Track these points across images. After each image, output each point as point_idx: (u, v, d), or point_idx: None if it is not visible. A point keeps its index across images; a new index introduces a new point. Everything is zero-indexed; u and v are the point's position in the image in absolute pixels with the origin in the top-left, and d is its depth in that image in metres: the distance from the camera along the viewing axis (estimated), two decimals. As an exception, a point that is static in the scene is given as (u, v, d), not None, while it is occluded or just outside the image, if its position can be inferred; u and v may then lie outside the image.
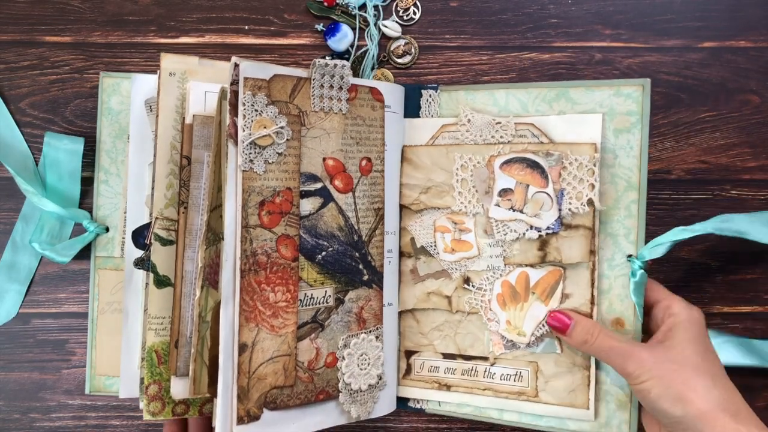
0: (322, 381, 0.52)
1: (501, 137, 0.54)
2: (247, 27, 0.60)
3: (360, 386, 0.54)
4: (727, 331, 0.59)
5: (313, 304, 0.52)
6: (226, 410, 0.47)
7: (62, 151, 0.56)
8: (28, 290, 0.57)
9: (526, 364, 0.54)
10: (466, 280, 0.56)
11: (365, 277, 0.54)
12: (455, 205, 0.55)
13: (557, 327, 0.51)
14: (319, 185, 0.51)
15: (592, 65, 0.58)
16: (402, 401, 0.59)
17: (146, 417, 0.50)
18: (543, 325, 0.53)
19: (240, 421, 0.47)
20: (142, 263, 0.53)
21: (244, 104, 0.47)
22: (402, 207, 0.57)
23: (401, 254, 0.58)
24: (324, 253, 0.52)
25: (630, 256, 0.51)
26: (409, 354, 0.58)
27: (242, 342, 0.48)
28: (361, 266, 0.54)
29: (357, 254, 0.53)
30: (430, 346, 0.57)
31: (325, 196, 0.52)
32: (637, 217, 0.51)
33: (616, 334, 0.49)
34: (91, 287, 0.56)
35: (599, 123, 0.51)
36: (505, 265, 0.54)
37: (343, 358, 0.53)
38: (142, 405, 0.51)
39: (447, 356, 0.57)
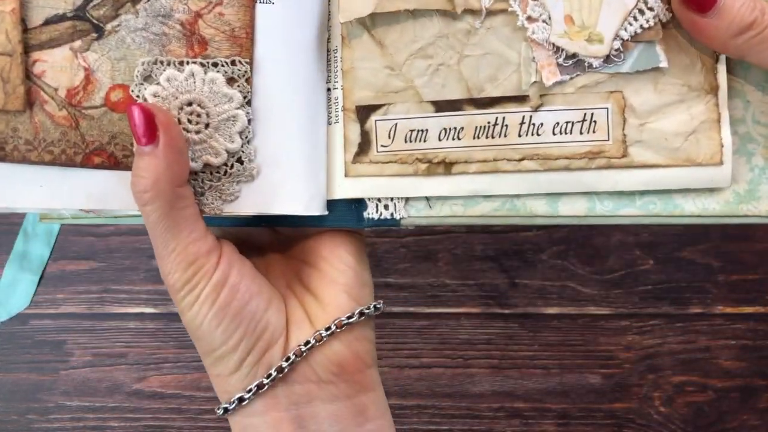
0: (100, 132, 0.29)
1: None
2: None
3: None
4: (730, 333, 0.58)
5: None
6: None
7: None
8: (40, 280, 0.57)
9: (603, 98, 0.29)
10: (481, -52, 0.28)
11: None
12: None
13: None
14: None
15: None
16: (353, 208, 0.30)
17: None
18: (636, 18, 0.28)
19: None
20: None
21: None
22: None
23: None
24: None
25: None
26: (366, 112, 0.30)
27: None
28: None
29: None
30: (408, 90, 0.29)
31: None
32: None
33: None
34: None
35: None
36: None
37: (144, 100, 0.28)
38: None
39: (444, 106, 0.29)
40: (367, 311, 0.30)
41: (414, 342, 0.59)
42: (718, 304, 0.58)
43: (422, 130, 0.29)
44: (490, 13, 0.28)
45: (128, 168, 0.29)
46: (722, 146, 0.28)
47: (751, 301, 0.58)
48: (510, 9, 0.28)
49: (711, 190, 0.29)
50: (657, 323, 0.58)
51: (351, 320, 0.30)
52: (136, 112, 0.27)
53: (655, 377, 0.58)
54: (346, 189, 0.30)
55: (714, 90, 0.28)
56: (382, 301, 0.32)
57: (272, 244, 0.34)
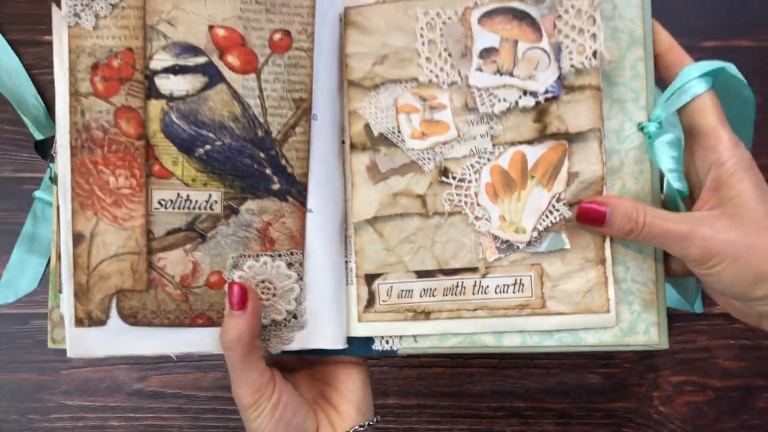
0: (202, 303, 0.42)
1: (476, -14, 0.43)
2: None
3: None
4: (729, 332, 0.59)
5: (188, 208, 0.42)
6: (70, 310, 0.41)
7: None
8: (48, 262, 0.56)
9: (527, 269, 0.43)
10: (444, 172, 0.43)
11: (275, 186, 0.42)
12: (422, 75, 0.43)
13: (592, 219, 0.40)
14: (201, 60, 0.41)
15: None
16: (365, 343, 0.44)
17: (50, 345, 0.44)
18: (546, 216, 0.42)
19: (79, 323, 0.41)
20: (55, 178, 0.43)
21: None
22: (350, 84, 0.44)
23: (352, 147, 0.44)
24: (209, 147, 0.41)
25: (641, 123, 0.43)
26: (371, 279, 0.44)
27: (78, 231, 0.41)
28: (268, 171, 0.42)
29: (262, 155, 0.42)
30: (399, 264, 0.44)
31: (212, 74, 0.41)
32: (645, 77, 0.43)
33: (662, 211, 0.39)
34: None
35: (593, -37, 0.42)
36: (493, 146, 0.42)
37: (232, 280, 0.42)
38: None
39: (423, 274, 0.44)
40: (371, 423, 0.44)
41: (414, 342, 0.62)
42: (718, 303, 0.57)
43: (409, 290, 0.44)
44: (451, 214, 0.43)
45: (218, 325, 0.42)
46: (608, 300, 0.42)
47: (750, 301, 0.60)
48: (463, 212, 0.43)
49: (604, 328, 0.42)
50: (656, 323, 0.59)
51: (360, 429, 0.43)
52: (236, 289, 0.40)
53: (654, 377, 0.59)
54: (359, 330, 0.44)
55: (603, 261, 0.42)
56: (378, 417, 0.45)
57: (299, 367, 0.46)
